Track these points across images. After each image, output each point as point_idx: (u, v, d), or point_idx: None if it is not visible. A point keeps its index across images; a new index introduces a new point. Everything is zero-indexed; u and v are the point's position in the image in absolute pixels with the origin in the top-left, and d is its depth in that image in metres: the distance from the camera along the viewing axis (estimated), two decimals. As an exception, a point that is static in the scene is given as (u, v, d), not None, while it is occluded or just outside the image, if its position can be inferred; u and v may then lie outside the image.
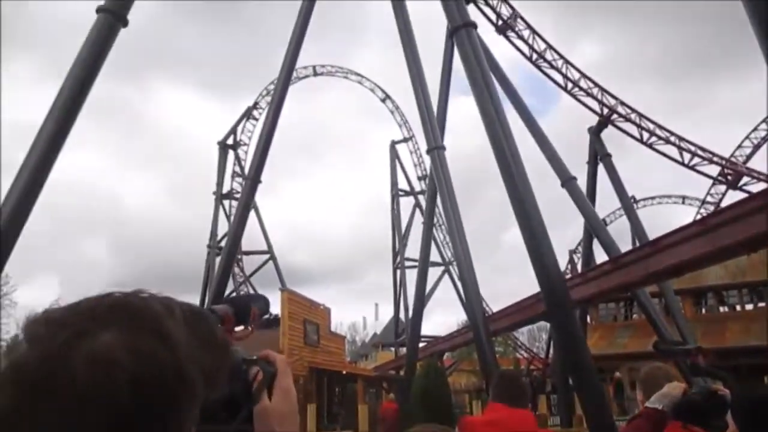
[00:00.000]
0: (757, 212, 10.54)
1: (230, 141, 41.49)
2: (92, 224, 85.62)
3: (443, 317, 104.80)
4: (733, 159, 30.95)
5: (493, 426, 2.62)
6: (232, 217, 35.56)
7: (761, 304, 31.63)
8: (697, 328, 26.50)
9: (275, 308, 32.95)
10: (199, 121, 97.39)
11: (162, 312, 0.66)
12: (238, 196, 37.14)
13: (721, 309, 33.08)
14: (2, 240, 8.39)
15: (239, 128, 41.78)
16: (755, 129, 32.79)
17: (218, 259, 28.96)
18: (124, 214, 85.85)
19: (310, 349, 24.84)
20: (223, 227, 38.43)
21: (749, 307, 32.11)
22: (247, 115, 41.80)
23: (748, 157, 32.29)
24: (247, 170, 24.16)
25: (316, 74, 41.62)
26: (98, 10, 10.25)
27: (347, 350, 48.41)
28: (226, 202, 40.32)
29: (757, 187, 27.79)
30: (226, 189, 40.59)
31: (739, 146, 32.93)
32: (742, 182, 28.49)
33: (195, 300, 36.67)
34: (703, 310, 33.32)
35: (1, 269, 9.01)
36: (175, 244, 76.79)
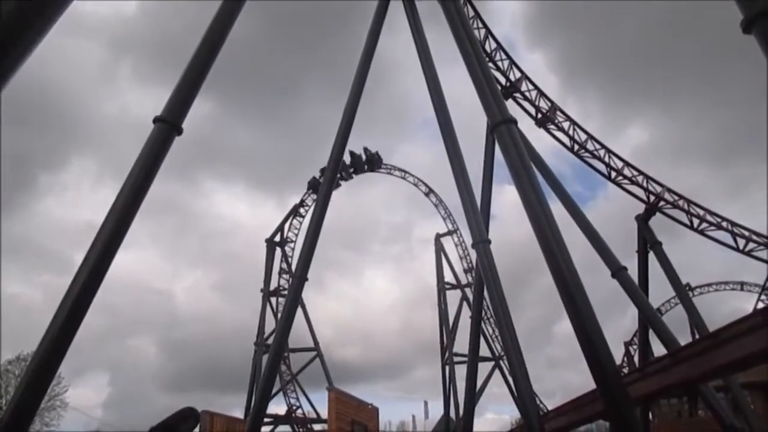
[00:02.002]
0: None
1: (277, 238, 42.22)
2: (143, 322, 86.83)
3: (496, 415, 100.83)
4: (790, 243, 29.92)
5: None
6: (279, 315, 35.65)
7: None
8: (770, 425, 24.78)
9: (323, 407, 32.35)
10: (247, 218, 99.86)
11: None
12: (285, 293, 37.45)
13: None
14: (58, 340, 8.57)
15: (286, 225, 42.60)
16: (812, 212, 31.83)
17: (265, 357, 28.80)
18: (174, 311, 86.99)
19: (358, 451, 24.08)
20: (270, 324, 38.48)
21: (826, 400, 30.02)
22: (294, 212, 42.70)
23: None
24: (293, 267, 24.43)
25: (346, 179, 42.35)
26: (155, 120, 10.84)
27: (397, 451, 46.70)
28: (273, 299, 40.53)
29: (820, 272, 26.67)
30: (273, 286, 40.90)
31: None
32: (802, 267, 27.42)
33: (242, 398, 36.16)
34: (775, 405, 31.26)
35: (56, 370, 9.10)
36: (223, 341, 76.89)
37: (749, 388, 26.84)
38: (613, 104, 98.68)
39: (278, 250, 41.91)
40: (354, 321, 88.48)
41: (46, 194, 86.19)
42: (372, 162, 41.47)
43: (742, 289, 43.19)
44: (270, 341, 33.74)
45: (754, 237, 26.48)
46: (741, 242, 26.12)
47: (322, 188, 18.59)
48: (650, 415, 29.23)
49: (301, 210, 42.25)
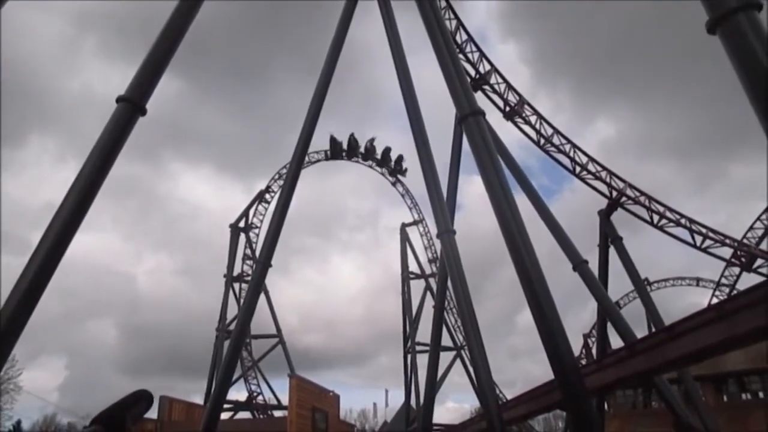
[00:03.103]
0: (774, 298, 10.31)
1: (242, 224, 41.87)
2: (103, 305, 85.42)
3: (457, 404, 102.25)
4: (745, 241, 30.81)
5: None
6: (241, 301, 35.39)
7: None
8: (720, 416, 25.53)
9: (284, 394, 32.30)
10: (212, 203, 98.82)
11: None
12: (248, 279, 37.20)
13: (744, 396, 32.02)
14: (12, 322, 8.34)
15: (251, 211, 42.27)
16: (766, 210, 32.77)
17: (226, 343, 28.59)
18: (135, 295, 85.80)
19: (318, 438, 24.07)
20: (233, 310, 38.23)
21: (773, 393, 31.10)
22: (260, 198, 42.40)
23: (761, 238, 32.16)
24: (258, 253, 24.26)
25: (327, 158, 42.45)
26: (118, 100, 10.58)
27: (357, 438, 46.95)
28: (236, 285, 40.22)
29: (772, 270, 27.52)
30: (236, 272, 40.58)
31: (751, 228, 32.83)
32: (756, 264, 28.25)
33: (202, 384, 36.04)
34: (725, 397, 32.22)
35: (9, 352, 8.87)
36: (185, 326, 76.21)
37: (701, 381, 27.62)
38: (584, 98, 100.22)
39: (242, 236, 41.61)
40: (318, 308, 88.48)
41: (2, 172, 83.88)
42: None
43: (697, 285, 44.32)
44: (232, 327, 33.46)
45: (711, 234, 27.18)
46: (698, 239, 26.77)
47: (288, 173, 18.42)
48: (606, 406, 29.90)
49: (267, 196, 42.01)
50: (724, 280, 34.79)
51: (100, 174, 9.96)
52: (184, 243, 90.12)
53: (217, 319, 39.34)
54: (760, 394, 31.50)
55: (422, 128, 17.82)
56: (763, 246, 31.25)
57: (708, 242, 26.96)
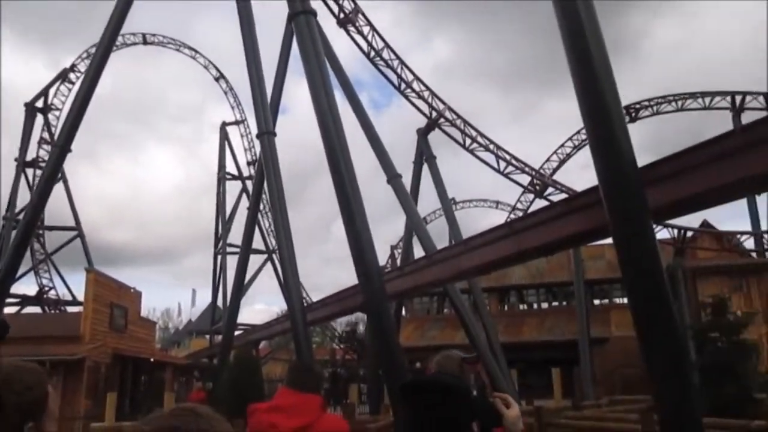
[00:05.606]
0: (554, 220, 11.58)
1: (40, 103, 37.59)
2: None
3: (266, 306, 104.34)
4: (542, 171, 33.86)
5: (276, 410, 2.66)
6: (35, 188, 32.30)
7: (555, 303, 35.32)
8: (500, 323, 28.77)
9: (80, 290, 30.55)
10: (6, 75, 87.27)
11: None
12: (44, 165, 33.86)
13: (521, 306, 36.37)
14: None
15: (52, 90, 38.00)
16: (562, 146, 36.16)
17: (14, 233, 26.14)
18: None
19: (115, 334, 23.32)
20: (25, 198, 34.83)
21: (545, 305, 35.70)
22: (63, 77, 38.13)
23: (555, 170, 35.53)
24: (56, 137, 22.08)
25: (146, 43, 39.12)
26: None
27: (159, 337, 46.30)
28: (30, 171, 36.50)
29: (559, 197, 30.71)
30: (31, 156, 36.73)
31: (548, 160, 36.10)
32: (547, 192, 31.25)
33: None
34: (506, 307, 36.36)
35: None
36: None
37: (488, 292, 30.76)
38: (424, 17, 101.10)
39: (40, 117, 37.49)
40: (129, 202, 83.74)
41: None
42: None
43: (497, 207, 48.08)
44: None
45: (514, 162, 29.43)
46: (503, 165, 28.83)
47: (96, 54, 16.75)
48: (404, 311, 32.19)
49: (72, 76, 37.87)
50: (519, 205, 38.07)
51: None
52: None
53: (5, 207, 35.68)
54: (535, 305, 36.12)
55: (251, 22, 16.99)
56: (556, 177, 34.57)
57: (510, 169, 29.15)
